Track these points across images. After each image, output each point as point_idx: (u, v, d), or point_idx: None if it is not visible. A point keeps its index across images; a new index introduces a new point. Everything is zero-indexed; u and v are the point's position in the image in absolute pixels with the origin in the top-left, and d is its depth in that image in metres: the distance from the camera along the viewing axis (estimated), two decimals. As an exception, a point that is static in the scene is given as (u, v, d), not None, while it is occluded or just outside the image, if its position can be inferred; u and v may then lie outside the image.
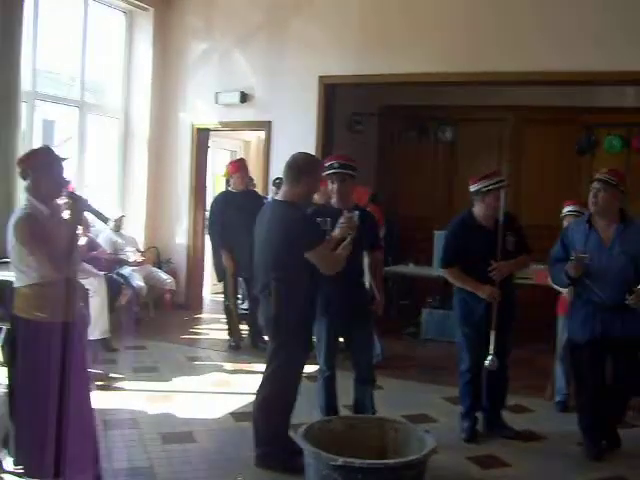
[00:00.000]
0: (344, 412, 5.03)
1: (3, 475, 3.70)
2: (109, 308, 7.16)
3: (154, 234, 9.64)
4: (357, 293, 4.84)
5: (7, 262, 4.03)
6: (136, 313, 8.22)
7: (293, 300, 4.26)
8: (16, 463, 3.67)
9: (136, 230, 9.31)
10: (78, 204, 3.66)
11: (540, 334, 6.76)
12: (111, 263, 8.00)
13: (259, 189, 9.00)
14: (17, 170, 3.72)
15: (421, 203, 10.71)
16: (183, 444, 4.78)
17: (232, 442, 4.84)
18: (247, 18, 9.10)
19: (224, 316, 7.96)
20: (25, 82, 7.56)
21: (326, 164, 4.84)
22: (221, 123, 9.47)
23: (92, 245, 7.86)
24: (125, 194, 9.62)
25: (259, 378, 4.53)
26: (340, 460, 3.39)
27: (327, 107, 8.79)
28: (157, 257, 9.54)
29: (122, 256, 8.32)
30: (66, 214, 3.68)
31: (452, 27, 7.94)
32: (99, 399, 5.31)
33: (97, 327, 6.80)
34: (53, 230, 3.48)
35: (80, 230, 6.88)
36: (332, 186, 4.81)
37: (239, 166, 7.80)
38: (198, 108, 9.48)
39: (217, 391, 6.09)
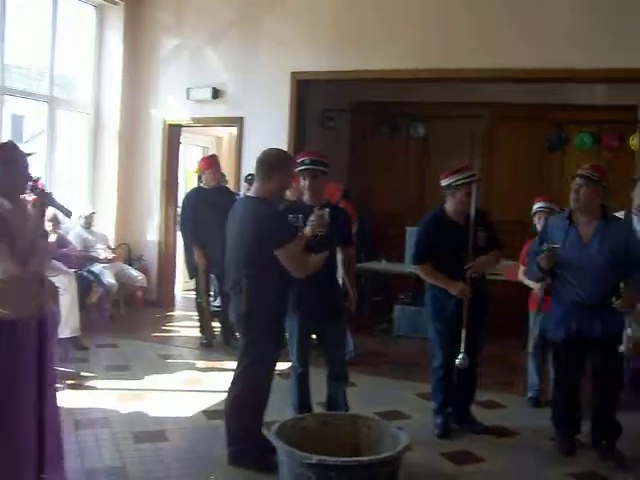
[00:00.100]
0: (317, 409, 5.02)
1: None
2: (80, 306, 7.08)
3: (125, 231, 9.56)
4: (330, 290, 4.82)
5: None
6: (107, 311, 8.15)
7: (264, 296, 4.24)
8: None
9: (107, 227, 9.23)
10: (42, 199, 3.61)
11: (512, 330, 6.79)
12: (81, 260, 7.92)
13: (231, 185, 8.94)
14: None
15: (393, 199, 10.72)
16: (155, 443, 4.74)
17: (204, 440, 4.81)
18: (219, 14, 9.05)
19: (196, 313, 7.92)
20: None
21: (298, 160, 4.81)
22: (193, 119, 9.41)
23: (62, 242, 7.78)
24: (95, 190, 9.52)
25: (231, 375, 4.50)
26: (314, 458, 3.38)
27: (299, 103, 8.77)
28: (128, 254, 9.47)
29: (93, 253, 8.24)
30: (30, 209, 3.63)
31: (425, 24, 7.95)
32: (70, 398, 5.31)
33: (67, 325, 6.73)
34: (17, 225, 3.43)
35: (49, 227, 6.88)
36: (304, 182, 4.78)
37: (211, 162, 7.76)
38: (169, 104, 9.41)
39: (189, 389, 6.05)
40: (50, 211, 4.04)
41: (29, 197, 3.71)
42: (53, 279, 6.55)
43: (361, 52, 8.18)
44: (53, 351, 3.74)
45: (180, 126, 9.64)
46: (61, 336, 6.64)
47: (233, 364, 4.49)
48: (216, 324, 7.76)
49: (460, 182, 4.98)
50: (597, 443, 4.72)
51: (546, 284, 5.46)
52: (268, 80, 8.73)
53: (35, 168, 7.86)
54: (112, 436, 4.83)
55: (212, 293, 8.39)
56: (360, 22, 8.25)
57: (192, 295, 8.35)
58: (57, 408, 3.73)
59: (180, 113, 9.38)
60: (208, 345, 7.55)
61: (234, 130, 9.38)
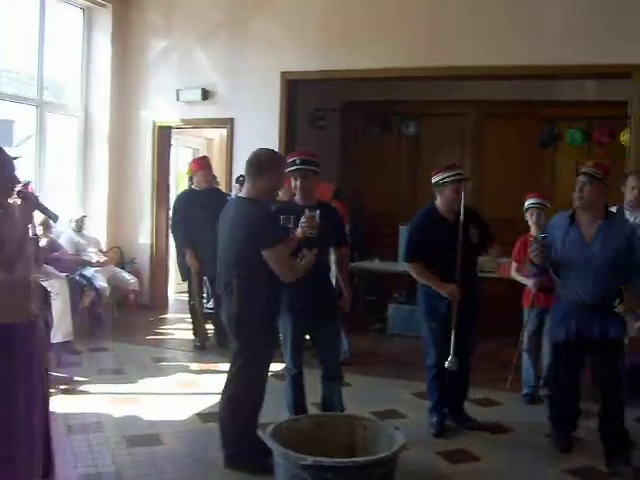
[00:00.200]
0: (312, 410, 4.99)
1: None
2: (72, 310, 7.03)
3: (117, 234, 9.52)
4: (323, 290, 4.80)
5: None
6: (100, 314, 8.11)
7: (255, 298, 4.21)
8: None
9: (98, 230, 9.18)
10: (28, 202, 3.59)
11: (505, 327, 6.78)
12: (73, 264, 7.88)
13: (222, 187, 8.92)
14: None
15: (385, 198, 10.72)
16: (149, 447, 4.71)
17: (199, 443, 4.79)
18: (207, 15, 9.02)
19: (189, 316, 7.89)
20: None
21: (288, 161, 4.79)
22: (183, 120, 9.38)
23: (53, 246, 7.75)
24: (86, 194, 9.48)
25: (225, 378, 4.48)
26: (309, 459, 3.36)
27: (289, 103, 8.75)
28: (120, 257, 9.43)
29: (84, 257, 8.20)
30: (17, 213, 3.59)
31: (414, 22, 7.95)
32: (63, 403, 5.28)
33: (60, 330, 6.69)
34: (5, 229, 3.40)
35: (40, 231, 6.84)
36: (295, 183, 4.76)
37: (202, 164, 7.73)
38: (159, 106, 9.38)
39: (183, 392, 6.03)
40: (40, 215, 4.00)
41: (16, 201, 3.67)
42: (44, 283, 6.56)
43: (350, 51, 8.16)
44: (46, 356, 3.71)
45: (170, 128, 9.61)
46: (53, 341, 6.61)
47: (227, 366, 4.46)
48: (209, 326, 7.74)
49: (448, 179, 4.98)
50: (611, 459, 4.45)
51: (540, 281, 5.47)
52: (258, 80, 8.72)
53: (25, 172, 7.88)
54: (105, 440, 4.79)
55: (205, 295, 8.36)
56: (349, 22, 8.24)
57: (185, 297, 8.32)
58: (48, 414, 3.70)
59: (170, 115, 9.35)
60: (202, 347, 7.53)
61: (225, 131, 9.36)
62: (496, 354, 7.14)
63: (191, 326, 7.80)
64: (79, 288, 7.57)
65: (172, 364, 6.96)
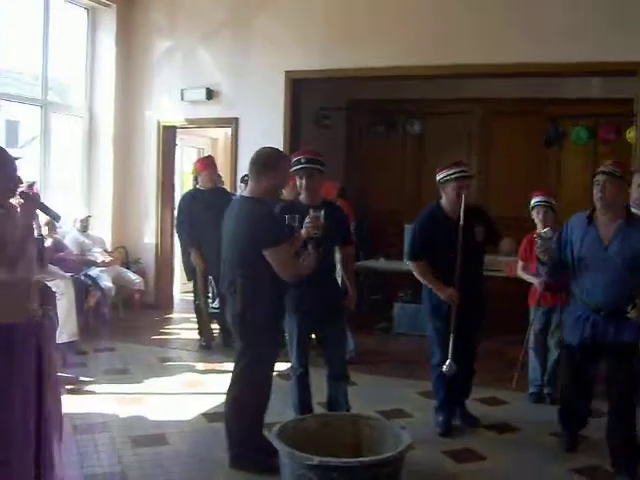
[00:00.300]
0: (318, 409, 4.99)
1: None
2: (77, 310, 7.03)
3: (122, 234, 9.52)
4: (329, 289, 4.79)
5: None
6: (105, 314, 8.11)
7: (259, 297, 4.19)
8: None
9: (103, 230, 9.20)
10: (30, 202, 3.58)
11: (511, 326, 6.76)
12: (78, 264, 7.89)
13: (227, 186, 8.92)
14: None
15: (390, 197, 10.71)
16: (155, 447, 4.70)
17: (205, 443, 4.77)
18: (211, 15, 9.02)
19: (194, 315, 7.88)
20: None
21: (293, 160, 4.77)
22: (187, 120, 9.38)
23: (59, 246, 7.77)
24: (91, 194, 9.48)
25: (230, 378, 4.46)
26: (315, 459, 3.35)
27: (294, 102, 8.74)
28: (125, 257, 9.43)
29: (89, 257, 8.21)
30: (19, 213, 3.59)
31: (418, 21, 7.94)
32: (69, 403, 5.25)
33: (65, 330, 6.66)
34: (7, 229, 3.40)
35: (46, 231, 6.85)
36: (300, 182, 4.75)
37: (207, 163, 7.72)
38: (164, 105, 9.38)
39: (189, 392, 6.02)
40: (44, 215, 4.00)
41: (18, 201, 3.67)
42: (50, 284, 6.57)
43: (355, 50, 8.15)
44: (54, 356, 3.70)
45: (175, 128, 9.61)
46: (59, 341, 6.59)
47: (232, 366, 4.45)
48: (215, 326, 7.73)
49: (451, 177, 4.96)
50: (620, 469, 4.29)
51: (546, 280, 5.45)
52: (262, 80, 8.71)
53: (30, 172, 7.90)
54: (111, 440, 4.79)
55: (210, 295, 8.36)
56: (353, 20, 8.23)
57: (190, 297, 8.32)
58: (48, 416, 3.68)
59: (174, 115, 9.35)
60: (207, 347, 7.52)
61: (229, 131, 9.35)
62: (502, 353, 7.12)
63: (196, 326, 7.80)
64: (84, 288, 7.57)
65: (177, 364, 6.96)
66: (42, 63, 8.60)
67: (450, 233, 4.90)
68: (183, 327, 8.58)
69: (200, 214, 7.26)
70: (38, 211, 3.72)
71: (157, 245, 9.60)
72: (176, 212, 8.08)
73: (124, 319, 8.56)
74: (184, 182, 11.10)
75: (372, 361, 7.10)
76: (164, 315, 9.22)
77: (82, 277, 7.69)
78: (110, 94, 9.38)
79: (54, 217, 3.92)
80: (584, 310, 4.34)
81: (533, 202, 5.85)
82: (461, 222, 4.87)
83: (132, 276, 8.79)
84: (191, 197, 7.62)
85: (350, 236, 5.19)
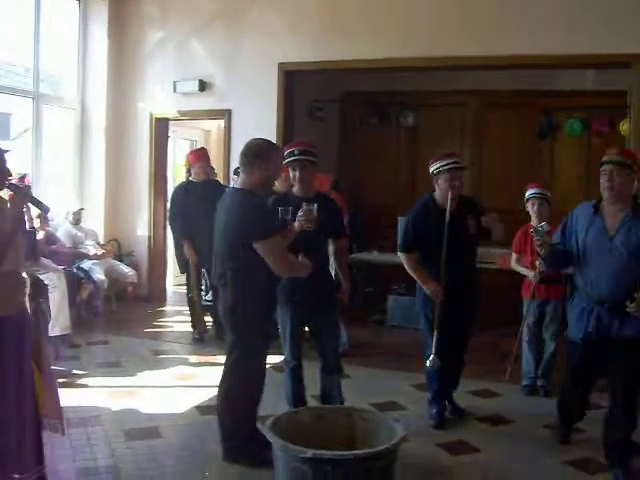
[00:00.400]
0: (311, 402, 4.98)
1: None
2: (70, 303, 7.01)
3: (114, 226, 9.49)
4: (322, 282, 4.77)
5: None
6: (98, 307, 8.09)
7: (250, 290, 4.17)
8: None
9: (96, 223, 9.16)
10: (18, 194, 3.56)
11: (504, 318, 6.77)
12: (71, 257, 7.87)
13: (220, 178, 8.88)
14: None
15: (384, 189, 10.69)
16: (148, 440, 4.68)
17: (198, 436, 4.76)
18: (204, 6, 8.97)
19: (187, 308, 7.87)
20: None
21: (286, 151, 4.75)
22: (180, 112, 9.34)
23: (51, 239, 7.74)
24: (83, 186, 9.44)
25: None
26: (309, 452, 3.33)
27: (287, 94, 8.70)
28: (118, 250, 9.40)
29: (82, 250, 8.18)
30: (8, 205, 3.57)
31: (412, 12, 7.90)
32: (61, 396, 5.23)
33: (58, 323, 6.66)
34: None
35: (38, 224, 6.82)
36: (293, 173, 4.73)
37: (200, 155, 7.69)
38: (156, 97, 9.33)
39: (182, 385, 6.01)
40: (35, 208, 3.99)
41: (6, 194, 3.65)
42: (42, 276, 6.54)
43: (348, 42, 8.12)
44: (46, 349, 3.66)
45: (167, 120, 9.57)
46: (51, 334, 6.58)
47: (225, 358, 4.44)
48: (208, 318, 7.71)
49: (443, 168, 4.94)
50: (613, 461, 4.23)
51: (541, 272, 5.44)
52: (255, 71, 8.67)
53: (22, 165, 7.85)
54: (104, 434, 4.77)
55: (203, 287, 8.34)
56: (347, 12, 8.20)
57: (183, 290, 8.30)
58: (34, 409, 3.66)
59: (167, 106, 9.31)
60: (200, 340, 7.51)
61: (222, 123, 9.32)
62: (495, 345, 7.13)
63: (189, 318, 7.78)
64: (77, 281, 7.55)
65: (171, 357, 6.94)
66: (34, 55, 8.55)
67: (443, 225, 4.88)
68: (176, 320, 8.56)
69: (193, 206, 7.23)
70: (29, 204, 3.71)
71: (150, 238, 9.57)
72: (169, 204, 8.06)
73: (117, 312, 8.54)
74: (177, 174, 11.07)
75: (366, 354, 7.10)
76: (157, 308, 9.20)
77: (75, 270, 7.66)
78: (102, 86, 9.34)
79: (43, 209, 3.91)
80: (588, 302, 4.20)
81: (528, 194, 5.83)
82: (447, 218, 4.85)
83: (125, 269, 8.76)
84: (184, 189, 7.59)
85: (343, 229, 5.18)
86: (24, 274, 6.07)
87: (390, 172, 10.83)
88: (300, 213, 4.37)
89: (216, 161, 9.36)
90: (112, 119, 9.42)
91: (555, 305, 5.76)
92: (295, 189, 4.80)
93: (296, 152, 4.71)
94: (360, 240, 9.31)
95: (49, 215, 7.02)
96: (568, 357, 4.55)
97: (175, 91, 9.12)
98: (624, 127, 8.81)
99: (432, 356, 4.95)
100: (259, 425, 4.11)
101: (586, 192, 9.33)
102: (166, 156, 9.82)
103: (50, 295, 6.52)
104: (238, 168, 7.60)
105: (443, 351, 5.00)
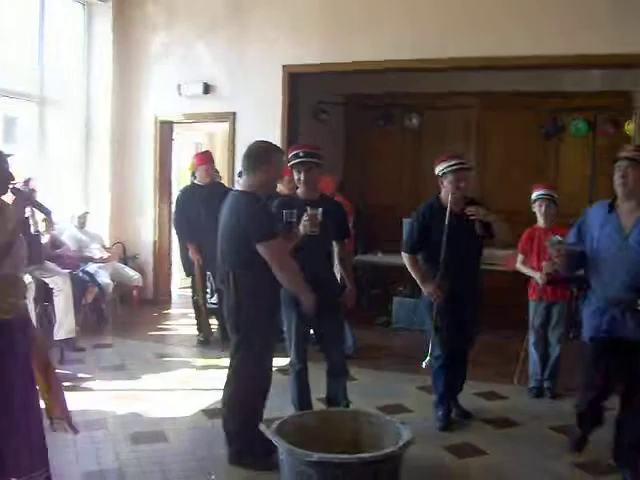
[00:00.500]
0: (317, 405, 4.96)
1: None
2: (75, 307, 6.99)
3: (119, 230, 9.48)
4: (327, 284, 4.76)
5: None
6: (103, 311, 8.08)
7: (253, 291, 4.16)
8: None
9: (101, 226, 9.15)
10: (19, 197, 3.56)
11: (510, 320, 6.73)
12: (76, 261, 7.85)
13: (225, 181, 8.87)
14: None
15: (389, 191, 10.68)
16: (153, 444, 4.67)
17: (204, 440, 4.75)
18: (208, 8, 8.96)
19: (193, 311, 7.85)
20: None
21: (291, 154, 4.75)
22: (185, 115, 9.35)
23: (56, 243, 7.73)
24: (88, 190, 9.44)
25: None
26: (315, 456, 3.32)
27: (292, 96, 8.69)
28: (123, 253, 9.40)
29: (87, 253, 8.17)
30: (10, 208, 3.57)
31: (417, 14, 7.88)
32: (66, 400, 5.23)
33: (63, 326, 6.67)
34: None
35: (43, 227, 6.81)
36: (298, 176, 4.73)
37: (205, 158, 7.68)
38: (161, 100, 9.33)
39: (187, 388, 5.99)
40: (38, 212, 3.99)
41: (10, 198, 3.64)
42: (47, 280, 6.56)
43: (353, 44, 8.11)
44: (31, 353, 3.63)
45: (172, 123, 9.57)
46: (56, 337, 6.60)
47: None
48: (213, 321, 7.70)
49: (448, 170, 4.93)
50: (622, 463, 4.13)
51: (547, 274, 5.41)
52: (260, 74, 8.67)
53: (26, 168, 7.85)
54: (109, 438, 4.77)
55: (208, 290, 8.33)
56: (351, 14, 8.18)
57: (189, 293, 8.29)
58: (38, 412, 3.65)
59: (172, 109, 9.31)
60: (205, 343, 7.49)
61: (227, 126, 9.30)
62: (500, 347, 7.10)
63: (195, 321, 7.77)
64: (82, 285, 7.53)
65: (176, 360, 6.92)
66: (38, 59, 8.56)
67: (448, 227, 4.87)
68: (181, 323, 8.56)
69: (198, 209, 7.22)
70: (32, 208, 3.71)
71: (155, 241, 9.58)
72: (174, 207, 8.05)
73: (122, 315, 8.51)
74: (181, 177, 11.06)
75: (372, 356, 7.07)
76: (162, 311, 9.19)
77: (80, 273, 7.64)
78: (107, 89, 9.34)
79: (45, 212, 3.92)
80: (602, 303, 4.06)
81: (535, 195, 5.82)
82: (447, 218, 4.83)
83: (130, 272, 8.75)
84: (189, 192, 7.59)
85: (348, 231, 5.17)
86: (29, 277, 6.11)
87: (395, 174, 10.82)
88: (305, 218, 4.37)
89: (221, 164, 9.36)
90: (117, 122, 9.42)
91: (561, 307, 5.75)
92: (300, 191, 4.79)
93: (301, 154, 4.70)
94: (364, 242, 9.30)
95: (54, 219, 7.04)
96: (584, 360, 4.39)
97: (180, 94, 9.13)
98: (629, 127, 8.81)
99: (428, 357, 4.96)
100: (264, 428, 4.10)
101: (592, 193, 9.32)
102: (171, 159, 9.81)
103: (55, 299, 6.61)
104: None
105: (447, 353, 4.99)
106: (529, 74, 8.92)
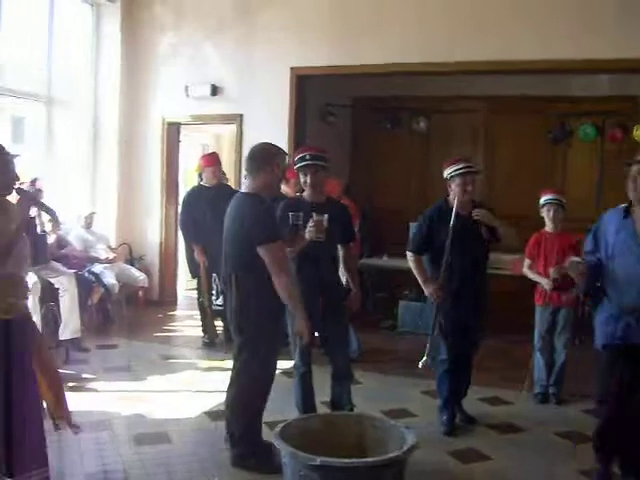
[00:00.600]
0: (322, 408, 4.95)
1: None
2: (80, 307, 6.99)
3: (126, 231, 9.48)
4: (331, 287, 4.75)
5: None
6: (108, 311, 8.08)
7: (256, 293, 4.14)
8: None
9: (107, 227, 9.14)
10: (24, 198, 3.57)
11: (515, 324, 6.71)
12: (82, 261, 7.85)
13: (232, 183, 8.86)
14: None
15: (395, 194, 10.66)
16: (157, 445, 4.67)
17: (208, 442, 4.73)
18: (216, 10, 8.97)
19: (198, 313, 7.85)
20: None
21: (297, 156, 4.75)
22: (192, 117, 9.35)
23: (62, 243, 7.73)
24: (95, 190, 9.44)
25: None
26: (318, 460, 3.31)
27: (299, 99, 8.69)
28: (129, 254, 9.40)
29: (93, 254, 8.17)
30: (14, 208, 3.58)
31: (425, 17, 7.88)
32: (70, 401, 5.22)
33: (68, 327, 6.68)
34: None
35: (49, 227, 6.82)
36: (304, 178, 4.72)
37: (211, 160, 7.68)
38: (168, 102, 9.33)
39: (192, 389, 5.98)
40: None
41: (13, 198, 3.65)
42: (53, 280, 6.57)
43: (361, 46, 8.10)
44: (31, 353, 3.63)
45: (179, 124, 9.58)
46: (62, 337, 6.60)
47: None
48: (219, 323, 7.69)
49: (455, 173, 4.94)
50: (628, 472, 4.08)
51: (554, 280, 5.39)
52: (267, 76, 8.66)
53: (34, 169, 7.86)
54: (113, 439, 4.76)
55: (214, 292, 8.32)
56: (359, 16, 8.18)
57: (194, 294, 8.29)
58: (38, 412, 3.64)
59: (179, 111, 9.31)
60: (211, 344, 7.48)
61: (234, 127, 9.30)
62: (506, 352, 7.08)
63: (200, 323, 7.76)
64: (88, 285, 7.52)
65: (181, 361, 6.92)
66: (47, 59, 8.57)
67: (453, 228, 4.86)
68: (187, 324, 8.55)
69: (204, 211, 7.22)
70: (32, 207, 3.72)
71: (161, 242, 9.58)
72: (180, 209, 8.05)
73: (127, 316, 8.51)
74: (188, 179, 11.06)
75: (377, 360, 7.05)
76: (168, 312, 9.18)
77: (86, 274, 7.64)
78: (114, 90, 9.35)
79: (49, 213, 3.93)
80: (615, 310, 3.93)
81: (543, 200, 5.81)
82: (452, 220, 4.82)
83: (136, 273, 8.74)
84: (195, 194, 7.58)
85: (353, 235, 5.16)
86: (35, 277, 6.11)
87: (402, 177, 10.80)
88: (310, 224, 4.36)
89: (228, 166, 9.35)
90: (124, 123, 9.42)
91: (567, 312, 5.73)
92: (306, 194, 4.78)
93: (307, 157, 4.69)
94: (370, 245, 9.28)
95: (60, 219, 7.04)
96: (595, 369, 4.28)
97: (187, 95, 9.13)
98: (638, 132, 8.78)
99: (424, 357, 4.96)
100: (268, 431, 4.10)
101: (599, 198, 9.29)
102: (178, 160, 9.82)
103: (60, 299, 6.61)
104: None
105: (452, 357, 4.99)
106: (537, 78, 8.90)
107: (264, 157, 4.24)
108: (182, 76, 9.16)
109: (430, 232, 5.01)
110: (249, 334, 4.22)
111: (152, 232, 9.59)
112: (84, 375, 6.15)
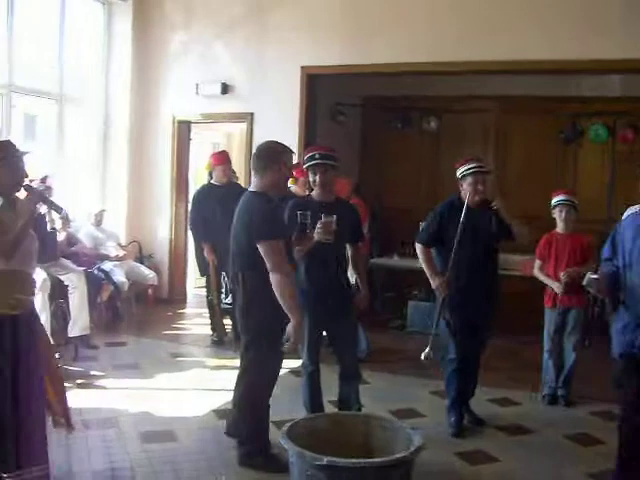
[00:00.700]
0: (329, 408, 4.94)
1: None
2: (90, 304, 7.01)
3: (136, 228, 9.50)
4: (339, 287, 4.74)
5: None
6: (118, 309, 8.09)
7: (262, 291, 4.10)
8: None
9: (117, 224, 9.17)
10: (32, 195, 3.57)
11: (525, 325, 6.68)
12: (92, 258, 7.86)
13: (242, 182, 8.86)
14: None
15: (405, 194, 10.62)
16: (164, 443, 4.67)
17: (214, 441, 4.73)
18: (227, 8, 8.97)
19: (207, 311, 7.85)
20: (1, 75, 7.44)
21: (307, 155, 4.74)
22: (202, 115, 9.36)
23: (72, 240, 7.74)
24: (106, 188, 9.47)
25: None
26: (325, 460, 3.29)
27: (309, 98, 8.68)
28: (139, 252, 9.42)
29: (103, 251, 8.19)
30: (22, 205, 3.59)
31: (436, 16, 7.86)
32: (79, 398, 5.25)
33: (77, 324, 6.70)
34: (5, 220, 3.41)
35: (59, 225, 6.84)
36: (314, 178, 4.70)
37: (222, 158, 7.68)
38: (179, 100, 9.34)
39: (200, 388, 5.98)
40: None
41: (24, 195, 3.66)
42: (63, 277, 6.59)
43: (371, 46, 8.09)
44: (38, 349, 3.63)
45: (189, 122, 9.58)
46: (71, 334, 6.62)
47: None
48: (227, 321, 7.69)
49: (467, 172, 4.96)
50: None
51: (565, 283, 5.37)
52: (278, 75, 8.66)
53: (45, 166, 7.89)
54: (120, 436, 4.77)
55: (223, 290, 8.32)
56: (370, 16, 8.16)
57: (203, 292, 8.29)
58: (41, 408, 3.65)
59: (190, 109, 9.32)
60: (219, 343, 7.49)
61: (245, 126, 9.30)
62: (515, 352, 7.06)
63: (209, 321, 7.77)
64: (97, 282, 7.54)
65: (189, 359, 6.93)
66: (58, 57, 8.60)
67: (464, 223, 4.84)
68: (195, 322, 8.56)
69: (214, 209, 7.21)
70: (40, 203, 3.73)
71: (171, 240, 9.59)
72: (190, 207, 8.05)
73: (137, 314, 8.53)
74: (198, 177, 11.06)
75: (385, 360, 7.03)
76: (177, 310, 9.19)
77: (95, 271, 7.66)
78: (125, 88, 9.37)
79: (57, 210, 3.96)
80: (633, 318, 3.73)
81: (555, 201, 5.79)
82: (462, 219, 4.82)
83: (145, 271, 8.75)
84: (205, 192, 7.58)
85: (361, 235, 5.14)
86: (44, 274, 6.13)
87: (412, 177, 10.76)
88: (319, 225, 4.35)
89: (238, 164, 9.36)
90: (135, 121, 9.45)
91: (577, 313, 5.70)
92: (315, 193, 4.77)
93: (317, 156, 4.68)
94: (380, 245, 9.26)
95: (70, 216, 7.05)
96: (613, 378, 4.10)
97: (198, 94, 9.13)
98: (650, 134, 8.72)
99: (427, 349, 4.97)
100: (275, 431, 4.09)
101: (611, 199, 9.24)
102: (188, 159, 9.82)
103: (70, 296, 6.63)
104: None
105: (460, 357, 4.97)
106: (548, 78, 8.86)
107: (270, 155, 4.23)
108: (193, 74, 9.16)
109: (440, 228, 5.02)
110: (255, 333, 4.21)
111: (162, 230, 9.60)
112: (93, 372, 6.17)
